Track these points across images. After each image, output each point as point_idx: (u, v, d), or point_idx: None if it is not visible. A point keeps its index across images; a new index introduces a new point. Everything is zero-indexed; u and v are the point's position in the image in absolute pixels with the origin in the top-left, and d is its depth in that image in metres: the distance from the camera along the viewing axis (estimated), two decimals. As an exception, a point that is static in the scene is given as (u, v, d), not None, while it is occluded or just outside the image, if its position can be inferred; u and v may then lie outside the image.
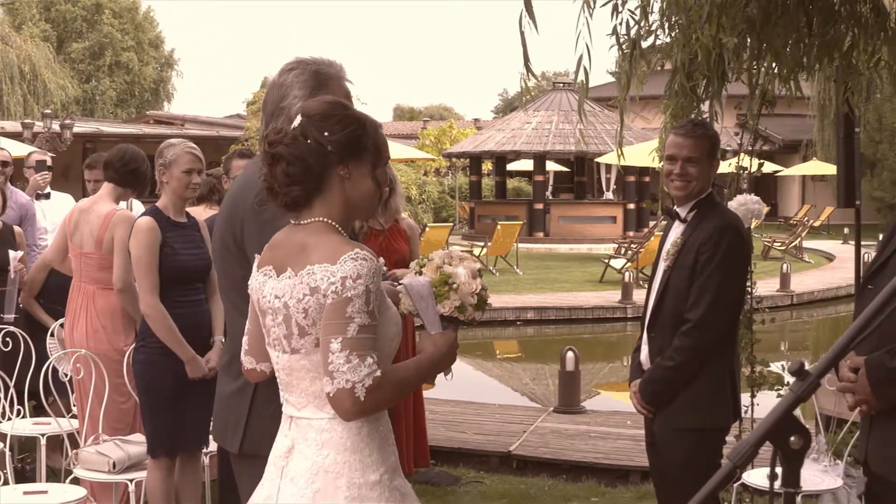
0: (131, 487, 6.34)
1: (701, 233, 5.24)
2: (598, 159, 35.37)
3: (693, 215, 5.34)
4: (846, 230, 36.92)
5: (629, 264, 24.29)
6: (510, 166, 43.19)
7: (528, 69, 5.24)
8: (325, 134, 3.23)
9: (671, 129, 5.63)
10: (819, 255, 34.05)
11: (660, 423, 5.39)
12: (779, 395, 6.87)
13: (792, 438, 2.12)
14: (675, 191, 5.39)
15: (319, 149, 3.22)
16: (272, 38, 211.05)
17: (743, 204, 6.60)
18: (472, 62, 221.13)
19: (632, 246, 26.20)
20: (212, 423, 4.06)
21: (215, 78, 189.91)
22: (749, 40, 6.19)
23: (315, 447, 3.22)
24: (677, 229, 5.41)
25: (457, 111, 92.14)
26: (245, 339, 3.53)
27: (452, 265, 3.40)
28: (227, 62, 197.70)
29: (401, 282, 3.45)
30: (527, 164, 40.84)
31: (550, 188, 44.51)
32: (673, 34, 6.46)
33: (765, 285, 21.34)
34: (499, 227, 28.07)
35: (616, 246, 28.54)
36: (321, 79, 3.93)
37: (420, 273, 3.41)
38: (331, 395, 3.10)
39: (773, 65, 6.59)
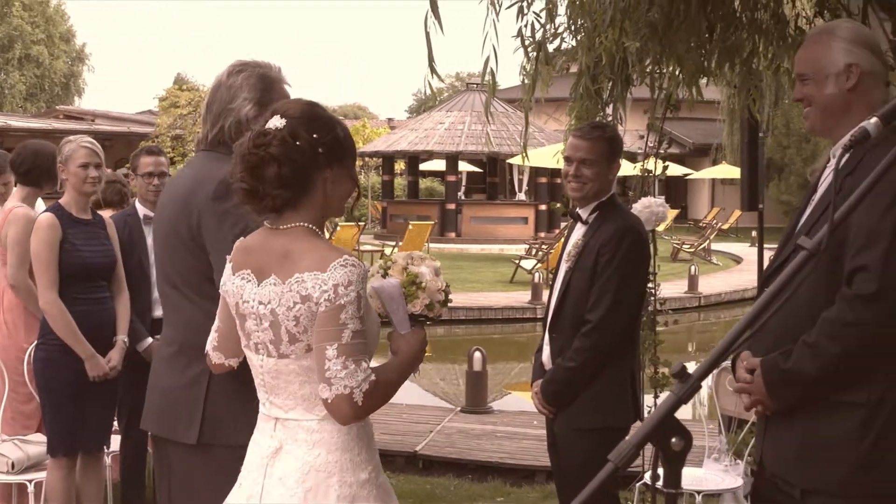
0: (31, 488, 6.28)
1: (602, 234, 5.28)
2: (509, 160, 35.48)
3: (594, 217, 5.38)
4: (754, 233, 37.15)
5: (539, 265, 24.43)
6: (423, 166, 43.20)
7: (433, 69, 5.25)
8: (315, 136, 3.22)
9: (571, 131, 5.67)
10: (727, 257, 34.53)
11: (560, 423, 5.42)
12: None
13: (673, 440, 2.15)
14: (571, 192, 5.44)
15: (310, 151, 3.21)
16: (185, 34, 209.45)
17: (647, 206, 6.66)
18: (386, 61, 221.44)
19: (542, 247, 26.35)
20: (151, 418, 4.02)
21: (127, 74, 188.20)
22: (651, 45, 6.25)
23: (306, 447, 3.25)
24: (579, 231, 5.46)
25: (371, 110, 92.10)
26: (214, 335, 3.55)
27: (416, 265, 3.48)
28: (139, 58, 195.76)
29: (370, 285, 3.47)
30: (439, 165, 40.90)
31: (463, 189, 44.56)
32: (578, 37, 6.52)
33: (673, 287, 21.61)
34: (410, 226, 28.11)
35: (527, 247, 28.69)
36: (267, 81, 3.99)
37: (386, 275, 3.47)
38: (329, 401, 3.13)
39: (677, 70, 6.67)
